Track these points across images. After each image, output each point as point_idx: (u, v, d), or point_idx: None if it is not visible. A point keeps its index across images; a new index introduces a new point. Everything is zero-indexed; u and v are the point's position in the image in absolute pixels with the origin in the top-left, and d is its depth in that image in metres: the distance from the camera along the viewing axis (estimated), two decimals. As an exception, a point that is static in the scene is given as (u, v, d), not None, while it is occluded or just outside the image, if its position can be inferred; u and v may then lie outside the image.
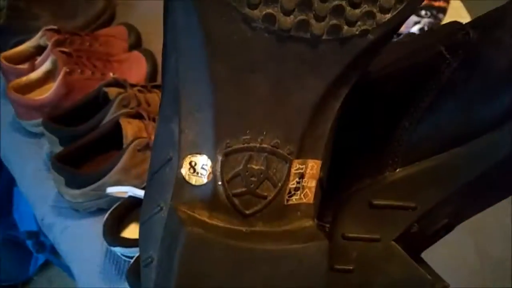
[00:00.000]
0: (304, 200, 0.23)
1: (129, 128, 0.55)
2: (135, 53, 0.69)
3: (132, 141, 0.55)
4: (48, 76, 0.65)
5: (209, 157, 0.22)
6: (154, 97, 0.61)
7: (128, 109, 0.57)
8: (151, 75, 0.68)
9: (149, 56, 0.68)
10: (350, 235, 0.27)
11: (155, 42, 0.73)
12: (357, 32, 0.21)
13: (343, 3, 0.20)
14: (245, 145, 0.22)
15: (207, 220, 0.22)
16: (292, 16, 0.20)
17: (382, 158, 0.26)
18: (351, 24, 0.21)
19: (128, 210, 0.53)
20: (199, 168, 0.22)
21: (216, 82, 0.21)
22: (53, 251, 0.90)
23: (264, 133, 0.22)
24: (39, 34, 0.66)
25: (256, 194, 0.22)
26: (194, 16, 0.20)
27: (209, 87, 0.21)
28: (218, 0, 0.20)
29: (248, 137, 0.22)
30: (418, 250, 0.28)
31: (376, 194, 0.26)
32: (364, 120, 0.27)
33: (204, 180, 0.22)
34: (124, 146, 0.55)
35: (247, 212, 0.22)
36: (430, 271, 0.28)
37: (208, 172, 0.22)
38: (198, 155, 0.22)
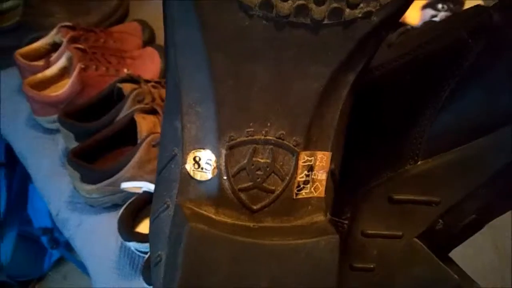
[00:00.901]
0: (315, 194, 0.22)
1: (144, 123, 0.55)
2: (149, 49, 0.69)
3: (146, 137, 0.54)
4: (63, 73, 0.65)
5: (213, 152, 0.21)
6: (168, 93, 0.61)
7: (142, 104, 0.57)
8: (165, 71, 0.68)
9: (163, 52, 0.68)
10: (370, 232, 0.26)
11: (168, 38, 0.73)
12: (360, 15, 0.20)
13: None
14: (249, 137, 0.21)
15: (213, 216, 0.21)
16: (290, 1, 0.19)
17: (402, 150, 0.25)
18: (353, 6, 0.19)
19: (143, 205, 0.53)
20: (204, 163, 0.21)
21: (215, 74, 0.20)
22: (68, 247, 0.90)
23: (269, 124, 0.21)
24: (54, 31, 0.67)
25: (263, 189, 0.22)
26: (190, 6, 0.20)
27: (209, 80, 0.21)
28: None
29: (251, 129, 0.21)
30: (445, 248, 0.27)
31: (397, 188, 0.25)
32: (383, 111, 0.26)
33: (209, 175, 0.21)
34: (139, 141, 0.55)
35: (255, 207, 0.22)
36: (459, 271, 0.27)
37: (212, 167, 0.21)
38: (202, 150, 0.21)
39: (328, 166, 0.22)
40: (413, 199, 0.25)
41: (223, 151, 0.21)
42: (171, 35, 0.22)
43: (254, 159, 0.21)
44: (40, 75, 0.64)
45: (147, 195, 0.53)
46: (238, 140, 0.21)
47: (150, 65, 0.68)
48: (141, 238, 0.51)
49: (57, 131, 0.63)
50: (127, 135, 0.56)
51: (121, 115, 0.57)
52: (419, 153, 0.25)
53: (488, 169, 0.24)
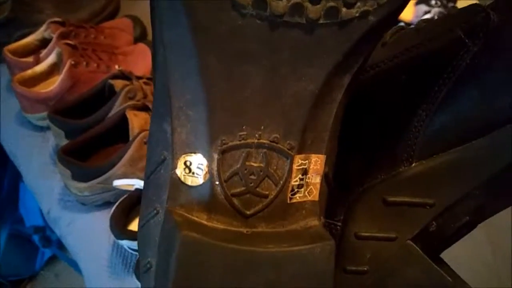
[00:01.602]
0: (309, 198, 0.22)
1: (136, 120, 0.55)
2: (141, 45, 0.69)
3: (138, 134, 0.54)
4: (53, 69, 0.65)
5: (204, 156, 0.21)
6: (160, 89, 0.60)
7: (134, 101, 0.57)
8: (157, 68, 0.67)
9: (154, 48, 0.68)
10: (364, 234, 0.26)
11: (160, 34, 0.72)
12: (356, 14, 0.19)
13: None
14: (242, 141, 0.21)
15: (205, 222, 0.21)
16: (285, 0, 0.19)
17: (396, 152, 0.25)
18: (349, 5, 0.19)
19: (135, 203, 0.53)
20: (195, 168, 0.21)
21: (207, 75, 0.20)
22: (60, 245, 0.90)
23: (262, 127, 0.21)
24: (44, 26, 0.66)
25: (257, 193, 0.21)
26: (180, 6, 0.19)
27: (200, 81, 0.20)
28: None
29: (244, 132, 0.21)
30: (437, 250, 0.27)
31: (391, 190, 0.25)
32: (377, 111, 0.26)
33: (200, 180, 0.21)
34: (131, 138, 0.54)
35: (248, 212, 0.21)
36: (451, 272, 0.27)
37: (204, 172, 0.21)
38: (193, 154, 0.21)
39: (322, 169, 0.22)
40: (407, 201, 0.25)
41: (215, 156, 0.21)
42: (160, 35, 0.21)
43: (247, 163, 0.21)
44: (29, 72, 0.63)
45: (139, 193, 0.52)
46: (231, 144, 0.21)
47: (141, 61, 0.67)
48: (134, 235, 0.50)
49: (47, 128, 0.62)
50: (119, 132, 0.56)
51: (113, 112, 0.57)
52: (414, 154, 0.25)
53: (483, 171, 0.23)
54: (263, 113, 0.20)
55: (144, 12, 0.76)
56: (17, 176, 0.83)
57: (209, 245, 0.20)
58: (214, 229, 0.21)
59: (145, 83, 0.60)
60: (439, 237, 0.26)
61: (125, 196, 0.53)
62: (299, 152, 0.21)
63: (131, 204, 0.53)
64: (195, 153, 0.21)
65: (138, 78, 0.60)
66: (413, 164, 0.25)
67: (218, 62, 0.20)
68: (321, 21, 0.19)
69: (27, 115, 0.65)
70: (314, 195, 0.22)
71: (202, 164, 0.21)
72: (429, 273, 0.25)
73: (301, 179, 0.22)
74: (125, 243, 0.50)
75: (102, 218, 0.54)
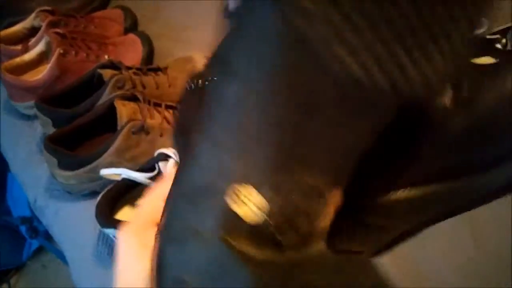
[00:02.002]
0: (322, 225, 0.25)
1: (124, 110, 0.55)
2: (131, 36, 0.68)
3: (126, 123, 0.54)
4: (42, 58, 0.64)
5: (258, 191, 0.23)
6: (150, 80, 0.60)
7: (123, 91, 0.57)
8: (147, 58, 0.67)
9: (145, 39, 0.68)
10: (338, 247, 0.28)
11: (151, 25, 0.73)
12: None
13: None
14: (295, 182, 0.23)
15: (253, 254, 0.23)
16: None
17: (382, 185, 0.28)
18: None
19: (122, 192, 0.52)
20: (248, 201, 0.23)
21: (276, 119, 0.22)
22: (47, 236, 0.89)
23: (312, 172, 0.23)
24: (33, 15, 0.66)
25: (293, 226, 0.23)
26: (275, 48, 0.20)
27: (269, 123, 0.22)
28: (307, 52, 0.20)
29: (298, 175, 0.23)
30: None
31: (370, 213, 0.28)
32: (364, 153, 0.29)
33: (252, 213, 0.23)
34: (119, 128, 0.54)
35: (284, 242, 0.23)
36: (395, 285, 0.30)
37: (256, 206, 0.23)
38: (248, 187, 0.23)
39: (338, 201, 0.25)
40: (378, 224, 0.28)
41: (269, 193, 0.22)
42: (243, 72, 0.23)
43: (295, 201, 0.23)
44: (18, 60, 0.63)
45: (126, 182, 0.52)
46: (285, 184, 0.23)
47: (132, 52, 0.67)
48: (120, 225, 0.50)
49: (35, 117, 0.62)
50: (107, 122, 0.56)
51: (101, 101, 0.56)
52: (397, 187, 0.28)
53: (452, 203, 0.27)
54: (316, 160, 0.23)
55: (135, 2, 0.75)
56: (4, 166, 0.83)
57: (272, 279, 0.23)
58: (268, 262, 0.23)
59: (134, 73, 0.59)
60: (389, 250, 0.30)
61: (111, 185, 0.52)
62: (331, 190, 0.24)
63: (118, 193, 0.53)
64: (251, 186, 0.23)
65: (128, 68, 0.60)
66: (390, 193, 0.28)
67: (290, 108, 0.21)
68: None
69: (15, 103, 0.64)
70: (326, 221, 0.25)
71: (255, 198, 0.23)
72: (379, 285, 0.28)
73: (322, 209, 0.24)
74: (111, 232, 0.50)
75: (89, 208, 0.54)
